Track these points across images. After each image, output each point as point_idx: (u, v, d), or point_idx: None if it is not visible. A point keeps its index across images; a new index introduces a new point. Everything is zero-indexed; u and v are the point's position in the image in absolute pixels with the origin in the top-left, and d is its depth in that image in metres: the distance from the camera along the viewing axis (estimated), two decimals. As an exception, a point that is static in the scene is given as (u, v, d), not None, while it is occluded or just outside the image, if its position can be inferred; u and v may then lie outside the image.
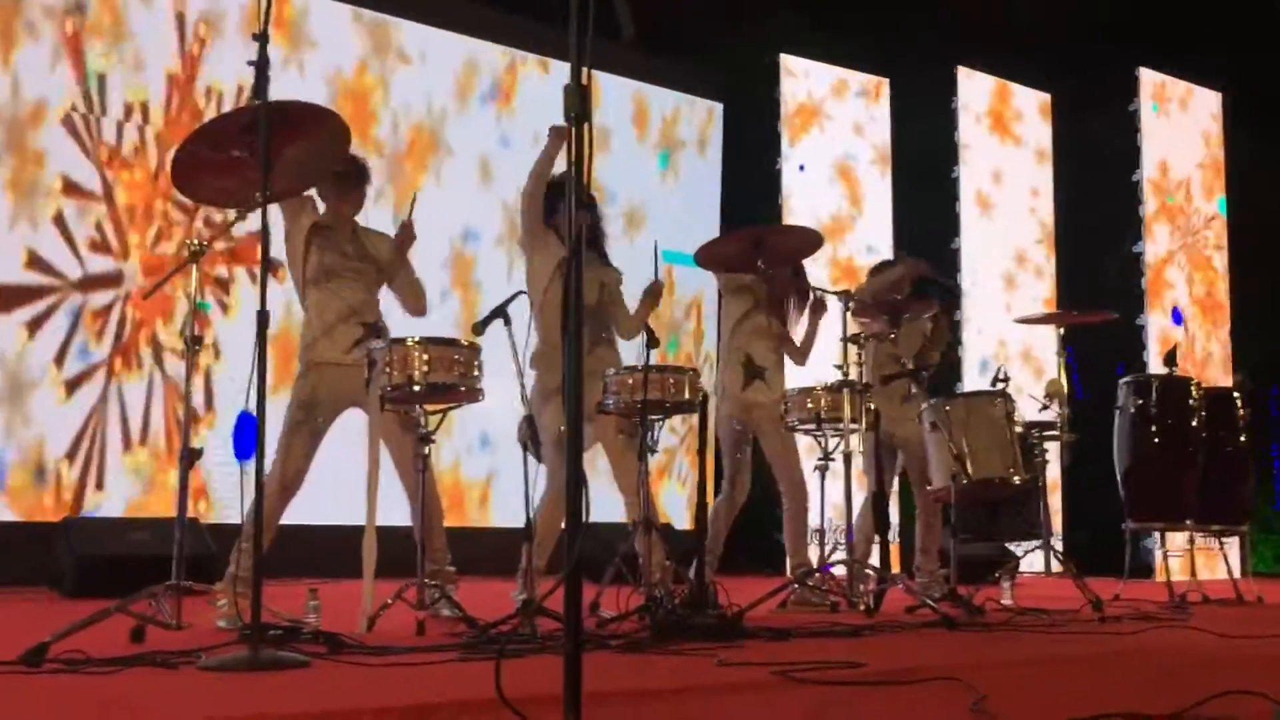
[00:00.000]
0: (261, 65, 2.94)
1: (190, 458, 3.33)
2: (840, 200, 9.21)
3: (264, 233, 2.93)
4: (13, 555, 5.90)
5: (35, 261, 6.31)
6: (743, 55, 9.26)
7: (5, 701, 2.42)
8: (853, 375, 4.73)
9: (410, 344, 3.93)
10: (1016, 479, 5.18)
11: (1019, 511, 5.59)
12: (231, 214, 3.77)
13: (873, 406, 4.99)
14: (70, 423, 6.35)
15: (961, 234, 9.45)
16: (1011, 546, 6.44)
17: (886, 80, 9.57)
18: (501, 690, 1.95)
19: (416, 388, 3.90)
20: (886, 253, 9.22)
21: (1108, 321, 6.13)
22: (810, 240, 4.80)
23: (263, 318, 2.87)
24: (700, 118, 9.38)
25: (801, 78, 9.17)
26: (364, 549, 3.90)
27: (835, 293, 4.83)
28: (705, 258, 4.86)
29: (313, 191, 4.41)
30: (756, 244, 4.53)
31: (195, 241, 3.40)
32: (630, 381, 4.39)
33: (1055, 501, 9.39)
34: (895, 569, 6.15)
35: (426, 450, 4.03)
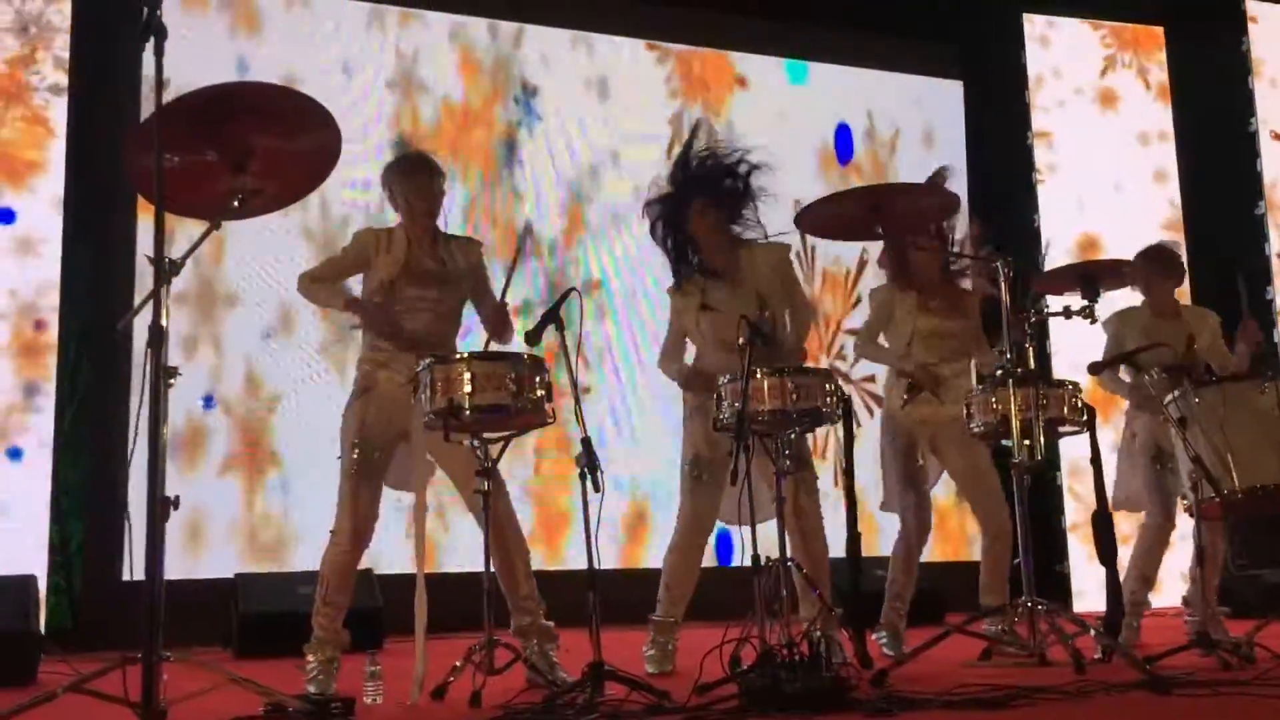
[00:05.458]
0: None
1: (165, 507, 2.87)
2: (1114, 173, 7.93)
3: (158, 232, 2.46)
4: (195, 613, 5.79)
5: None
6: (981, 21, 8.20)
7: None
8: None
9: (455, 360, 3.37)
10: (1300, 486, 3.96)
11: (1313, 528, 4.31)
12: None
13: (1081, 404, 3.96)
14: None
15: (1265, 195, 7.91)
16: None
17: (1160, 28, 8.23)
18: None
19: (466, 413, 3.33)
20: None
21: None
22: (943, 200, 3.83)
23: (156, 332, 2.39)
24: (938, 99, 8.37)
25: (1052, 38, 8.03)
26: (416, 605, 3.35)
27: (985, 258, 3.78)
28: (811, 222, 3.97)
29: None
30: (874, 208, 3.62)
31: (166, 260, 2.95)
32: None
33: None
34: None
35: (485, 486, 3.44)
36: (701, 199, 4.04)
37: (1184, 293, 5.14)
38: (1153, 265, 4.78)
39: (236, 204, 2.94)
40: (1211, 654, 3.64)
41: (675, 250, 4.16)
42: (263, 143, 2.95)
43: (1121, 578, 4.51)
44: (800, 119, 7.83)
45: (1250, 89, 7.99)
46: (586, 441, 3.19)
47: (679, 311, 4.17)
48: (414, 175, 3.80)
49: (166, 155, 2.84)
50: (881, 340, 4.53)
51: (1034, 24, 8.07)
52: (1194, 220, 7.98)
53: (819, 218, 3.94)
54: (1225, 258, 7.75)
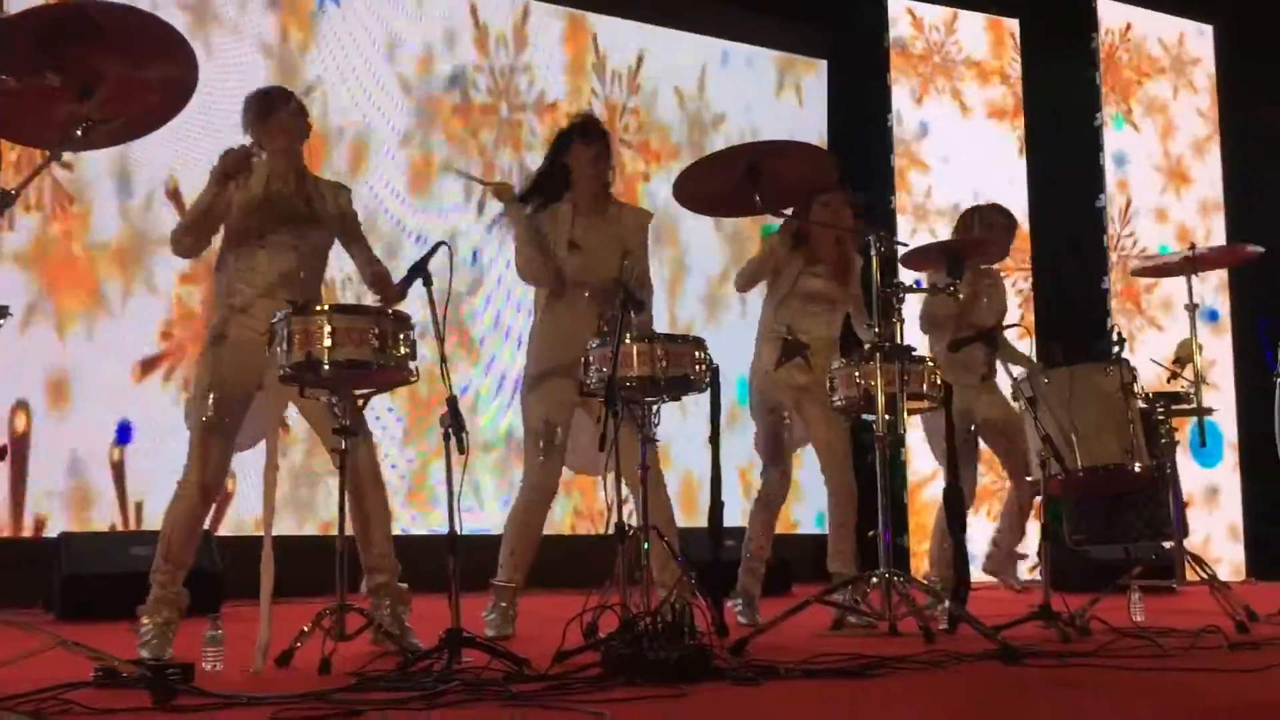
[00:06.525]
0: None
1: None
2: (966, 160, 8.10)
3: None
4: (10, 572, 5.44)
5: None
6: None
7: None
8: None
9: (315, 312, 3.20)
10: (1136, 466, 4.14)
11: (1145, 506, 4.50)
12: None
13: (939, 380, 4.03)
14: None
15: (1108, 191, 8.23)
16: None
17: (1016, 21, 8.46)
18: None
19: (325, 368, 3.18)
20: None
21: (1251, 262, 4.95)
22: (820, 164, 3.83)
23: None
24: (800, 76, 8.42)
25: (915, 22, 8.16)
26: (261, 566, 3.19)
27: (866, 233, 3.80)
28: (687, 195, 3.90)
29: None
30: (752, 171, 3.59)
31: (-1, 191, 2.71)
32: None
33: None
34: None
35: (344, 445, 3.30)
36: (590, 140, 4.08)
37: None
38: (986, 219, 4.94)
39: (80, 133, 2.73)
40: (1051, 625, 3.75)
41: (547, 176, 4.13)
42: (111, 69, 2.74)
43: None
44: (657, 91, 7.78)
45: (1097, 84, 8.28)
46: (452, 400, 3.08)
47: (545, 225, 4.09)
48: (271, 111, 3.63)
49: (2, 76, 2.64)
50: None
51: (897, 7, 8.18)
52: (1038, 208, 8.24)
53: (695, 188, 3.87)
54: (1067, 249, 8.12)
